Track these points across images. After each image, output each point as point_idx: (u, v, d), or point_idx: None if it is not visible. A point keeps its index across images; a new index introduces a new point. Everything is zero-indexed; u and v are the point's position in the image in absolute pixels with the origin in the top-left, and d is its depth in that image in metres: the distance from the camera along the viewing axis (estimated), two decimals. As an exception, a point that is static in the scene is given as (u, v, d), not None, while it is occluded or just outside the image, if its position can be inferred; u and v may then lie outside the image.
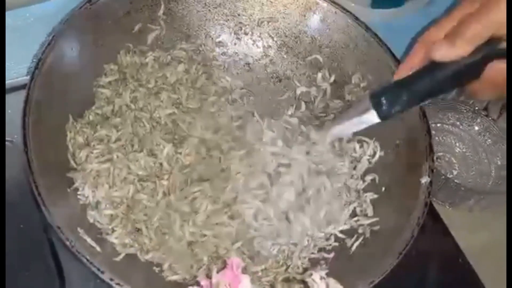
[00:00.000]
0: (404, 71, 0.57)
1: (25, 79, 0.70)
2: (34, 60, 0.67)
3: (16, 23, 0.71)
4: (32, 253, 0.62)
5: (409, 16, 0.82)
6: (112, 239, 0.60)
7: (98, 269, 0.52)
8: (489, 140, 0.81)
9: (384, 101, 0.56)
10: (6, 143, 0.67)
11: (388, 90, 0.57)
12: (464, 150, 0.81)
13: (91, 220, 0.60)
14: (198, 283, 0.55)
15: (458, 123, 0.82)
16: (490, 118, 0.80)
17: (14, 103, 0.68)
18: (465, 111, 0.82)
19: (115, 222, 0.61)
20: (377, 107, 0.57)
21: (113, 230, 0.60)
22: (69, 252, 0.53)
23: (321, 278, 0.57)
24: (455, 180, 0.72)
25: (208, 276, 0.55)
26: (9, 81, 0.73)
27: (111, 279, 0.52)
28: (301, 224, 0.65)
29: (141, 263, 0.60)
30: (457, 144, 0.81)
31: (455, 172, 0.78)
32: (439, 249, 0.68)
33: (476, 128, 0.82)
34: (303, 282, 0.59)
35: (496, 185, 0.77)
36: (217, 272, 0.55)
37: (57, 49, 0.62)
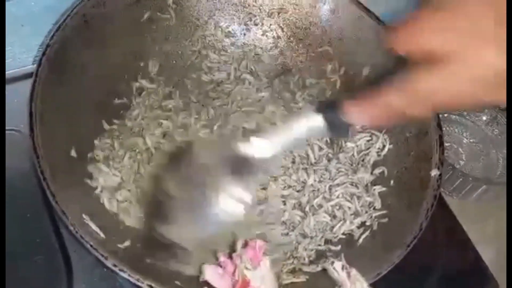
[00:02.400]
0: None
1: (31, 67, 0.70)
2: (40, 49, 0.67)
3: (19, 12, 0.70)
4: (38, 243, 0.62)
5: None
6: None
7: (102, 255, 0.52)
8: (496, 131, 0.80)
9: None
10: (12, 132, 0.67)
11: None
12: (471, 140, 0.80)
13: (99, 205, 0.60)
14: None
15: (465, 113, 0.81)
16: (497, 108, 0.79)
17: (21, 92, 0.67)
18: None
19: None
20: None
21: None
22: (76, 241, 0.53)
23: (343, 267, 0.57)
24: (463, 171, 0.72)
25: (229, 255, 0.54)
26: (15, 70, 0.72)
27: (114, 265, 0.51)
28: (316, 217, 0.65)
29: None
30: (464, 135, 0.80)
31: (462, 163, 0.77)
32: (448, 239, 0.67)
33: (484, 118, 0.81)
34: (308, 273, 0.59)
35: (504, 176, 0.76)
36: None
37: (65, 37, 0.62)
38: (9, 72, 0.72)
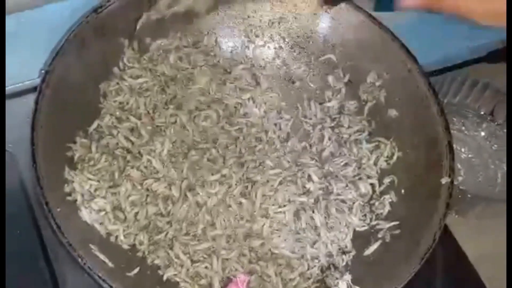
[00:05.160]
0: None
1: (22, 85, 0.69)
2: (41, 70, 0.66)
3: (8, 27, 0.69)
4: (25, 265, 0.61)
5: (411, 19, 0.80)
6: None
7: (110, 286, 0.51)
8: (495, 146, 0.77)
9: None
10: None
11: None
12: (470, 155, 0.77)
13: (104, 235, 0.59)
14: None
15: (463, 128, 0.78)
16: (496, 123, 0.77)
17: (9, 111, 0.65)
18: (470, 116, 0.79)
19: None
20: None
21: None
22: (65, 264, 0.52)
23: (348, 286, 0.56)
24: (461, 187, 0.69)
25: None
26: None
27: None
28: (328, 237, 0.64)
29: (156, 278, 0.59)
30: (463, 150, 0.77)
31: (460, 179, 0.74)
32: (445, 258, 0.66)
33: (482, 133, 0.78)
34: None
35: (503, 192, 0.73)
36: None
37: (64, 62, 0.61)
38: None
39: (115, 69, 0.68)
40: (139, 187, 0.62)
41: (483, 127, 0.78)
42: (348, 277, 0.60)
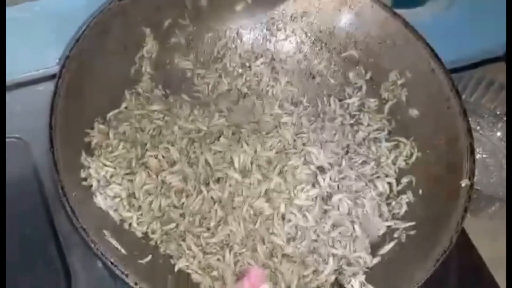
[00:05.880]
0: None
1: (36, 73, 0.69)
2: (61, 57, 0.66)
3: (23, 16, 0.69)
4: (37, 253, 0.61)
5: (431, 16, 0.79)
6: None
7: (123, 272, 0.51)
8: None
9: None
10: (12, 139, 0.66)
11: None
12: (484, 156, 0.76)
13: (118, 222, 0.59)
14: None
15: (478, 127, 0.77)
16: None
17: (23, 99, 0.67)
18: (486, 116, 0.77)
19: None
20: None
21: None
22: (77, 253, 0.53)
23: (361, 284, 0.55)
24: (475, 187, 0.66)
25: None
26: (18, 76, 0.71)
27: (136, 284, 0.50)
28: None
29: (168, 267, 0.58)
30: (478, 150, 0.75)
31: (475, 179, 0.73)
32: (460, 258, 0.65)
33: (498, 134, 0.77)
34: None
35: None
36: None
37: (85, 48, 0.61)
38: (11, 79, 0.70)
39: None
40: (154, 177, 0.61)
41: (499, 127, 0.77)
42: (361, 276, 0.60)
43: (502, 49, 0.83)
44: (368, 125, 0.70)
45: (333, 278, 0.60)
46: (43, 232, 0.62)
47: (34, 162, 0.66)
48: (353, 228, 0.62)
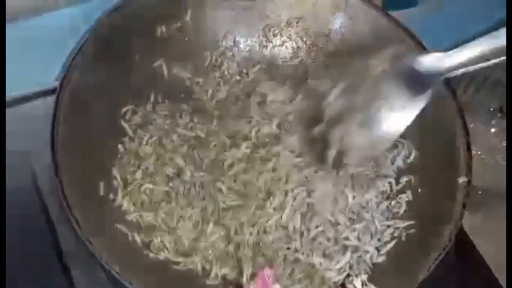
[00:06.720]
0: None
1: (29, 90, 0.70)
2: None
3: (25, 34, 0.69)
4: (39, 265, 0.62)
5: (423, 17, 0.80)
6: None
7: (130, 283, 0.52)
8: (505, 142, 0.76)
9: None
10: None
11: None
12: (479, 152, 0.76)
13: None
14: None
15: (472, 125, 0.75)
16: (506, 119, 0.76)
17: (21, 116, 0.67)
18: (480, 112, 0.77)
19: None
20: None
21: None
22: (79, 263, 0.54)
23: (363, 284, 0.56)
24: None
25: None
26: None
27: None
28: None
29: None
30: (472, 147, 0.75)
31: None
32: (458, 256, 0.65)
33: (492, 130, 0.77)
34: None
35: None
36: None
37: (82, 62, 0.63)
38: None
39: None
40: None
41: (493, 124, 0.77)
42: (363, 275, 0.60)
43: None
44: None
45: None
46: (44, 243, 0.62)
47: (33, 171, 0.66)
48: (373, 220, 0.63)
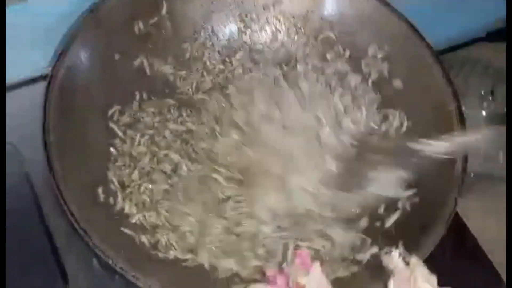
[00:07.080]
0: None
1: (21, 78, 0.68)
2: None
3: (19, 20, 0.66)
4: (34, 262, 0.60)
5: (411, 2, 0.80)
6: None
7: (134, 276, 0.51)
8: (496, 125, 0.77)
9: None
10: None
11: None
12: None
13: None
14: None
15: (464, 108, 0.77)
16: (496, 103, 0.78)
17: (14, 104, 0.64)
18: (471, 95, 0.79)
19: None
20: None
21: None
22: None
23: (400, 255, 0.54)
24: None
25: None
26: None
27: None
28: None
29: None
30: None
31: None
32: (452, 237, 0.65)
33: (483, 113, 0.79)
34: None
35: (504, 170, 0.73)
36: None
37: (66, 62, 0.61)
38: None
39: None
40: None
41: (484, 107, 0.79)
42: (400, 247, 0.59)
43: (485, 30, 0.85)
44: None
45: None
46: (38, 240, 0.60)
47: (25, 164, 0.64)
48: None
